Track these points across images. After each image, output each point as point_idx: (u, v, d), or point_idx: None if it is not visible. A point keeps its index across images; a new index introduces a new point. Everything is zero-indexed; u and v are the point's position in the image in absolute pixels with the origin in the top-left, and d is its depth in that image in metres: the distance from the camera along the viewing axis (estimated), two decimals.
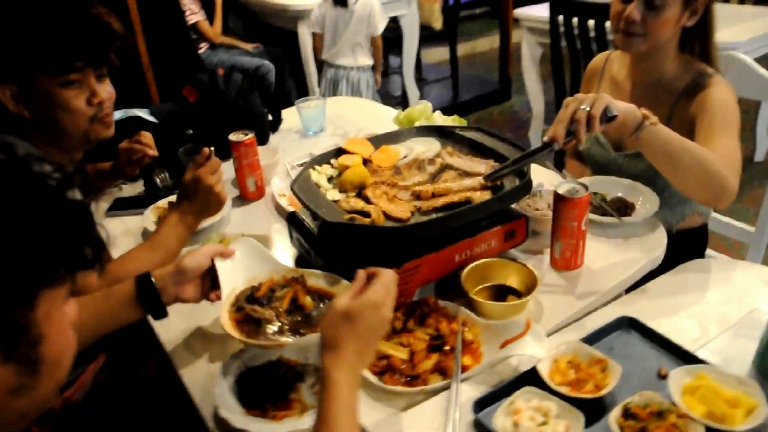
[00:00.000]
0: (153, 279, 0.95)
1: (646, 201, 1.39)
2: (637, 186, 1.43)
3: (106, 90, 1.29)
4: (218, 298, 1.00)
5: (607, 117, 1.10)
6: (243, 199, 1.63)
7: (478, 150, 1.30)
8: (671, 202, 1.43)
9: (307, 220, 1.20)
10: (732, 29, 2.60)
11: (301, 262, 1.24)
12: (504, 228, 1.16)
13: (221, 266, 1.00)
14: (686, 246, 1.47)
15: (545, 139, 1.12)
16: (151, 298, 0.94)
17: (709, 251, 1.71)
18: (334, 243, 1.06)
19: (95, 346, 0.94)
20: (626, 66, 1.57)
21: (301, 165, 1.68)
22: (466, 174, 1.22)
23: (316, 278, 1.02)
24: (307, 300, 0.98)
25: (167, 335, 1.09)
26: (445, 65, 5.43)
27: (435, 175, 1.24)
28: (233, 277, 1.00)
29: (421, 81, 4.99)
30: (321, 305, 0.98)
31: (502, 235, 1.17)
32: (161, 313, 0.96)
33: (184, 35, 3.72)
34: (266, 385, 0.93)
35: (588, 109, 1.07)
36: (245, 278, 1.02)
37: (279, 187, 1.61)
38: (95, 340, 0.93)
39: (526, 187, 1.14)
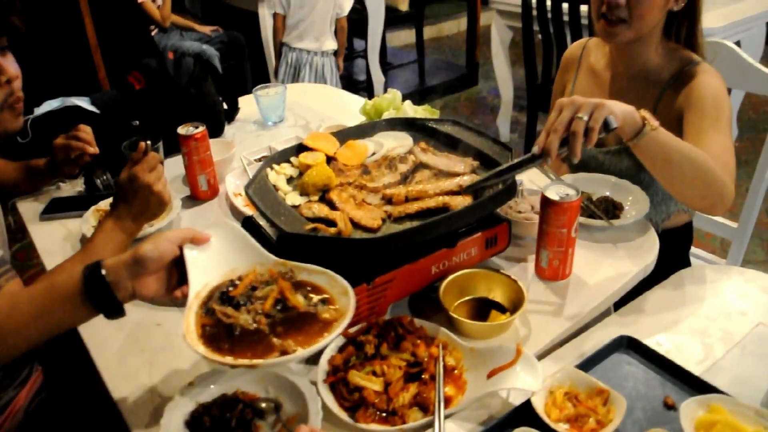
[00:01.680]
0: (104, 270, 0.79)
1: (635, 200, 1.31)
2: (623, 184, 1.35)
3: (12, 66, 1.11)
4: (185, 295, 0.83)
5: (607, 129, 1.01)
6: (194, 199, 1.53)
7: (455, 146, 1.25)
8: (656, 200, 1.36)
9: (265, 225, 1.13)
10: (708, 14, 2.54)
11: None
12: (485, 234, 1.11)
13: (191, 256, 0.83)
14: (672, 245, 1.39)
15: (535, 150, 1.03)
16: (101, 294, 0.78)
17: (693, 249, 1.65)
18: (294, 256, 1.00)
19: (29, 360, 0.80)
20: (606, 55, 1.49)
21: (260, 160, 1.63)
22: (443, 173, 1.18)
23: (308, 274, 0.87)
24: (298, 300, 0.83)
25: (100, 352, 0.99)
26: (411, 49, 5.32)
27: (407, 174, 1.20)
28: (206, 270, 0.84)
29: (386, 65, 4.87)
30: (316, 306, 0.82)
31: (483, 243, 1.12)
32: (115, 311, 0.81)
33: (135, 15, 3.50)
34: (220, 428, 0.79)
35: (586, 119, 0.99)
36: (222, 271, 0.86)
37: (234, 185, 1.52)
38: (33, 345, 0.80)
39: (510, 191, 1.08)
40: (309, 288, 0.85)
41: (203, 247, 0.86)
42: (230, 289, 0.84)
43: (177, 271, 0.84)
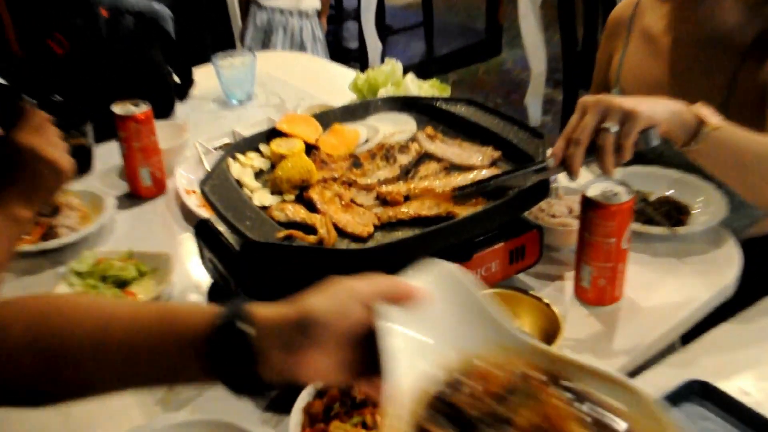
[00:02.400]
0: (249, 328, 0.64)
1: (707, 202, 1.30)
2: (691, 180, 1.34)
3: None
4: (377, 393, 0.64)
5: (647, 144, 1.03)
6: (134, 197, 1.53)
7: (470, 132, 1.27)
8: (736, 200, 1.34)
9: (225, 232, 1.14)
10: None
11: (215, 293, 1.22)
12: (509, 245, 1.12)
13: (391, 327, 0.63)
14: (759, 261, 1.37)
15: (551, 162, 1.05)
16: (235, 360, 0.64)
17: None
18: (262, 271, 1.01)
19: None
20: (664, 15, 1.48)
21: (220, 148, 1.64)
22: (454, 167, 1.19)
23: (589, 379, 0.60)
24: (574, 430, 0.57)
25: None
26: (416, 8, 5.32)
27: (409, 168, 1.21)
28: (416, 354, 0.63)
29: (384, 30, 4.86)
30: None
31: (507, 255, 1.13)
32: (252, 388, 0.65)
33: None
34: None
35: (614, 131, 1.01)
36: (441, 354, 0.64)
37: (187, 180, 1.53)
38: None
39: (541, 191, 1.10)
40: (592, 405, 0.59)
41: (414, 309, 0.65)
42: (455, 391, 0.60)
43: (365, 349, 0.64)
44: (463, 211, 1.06)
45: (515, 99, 4.07)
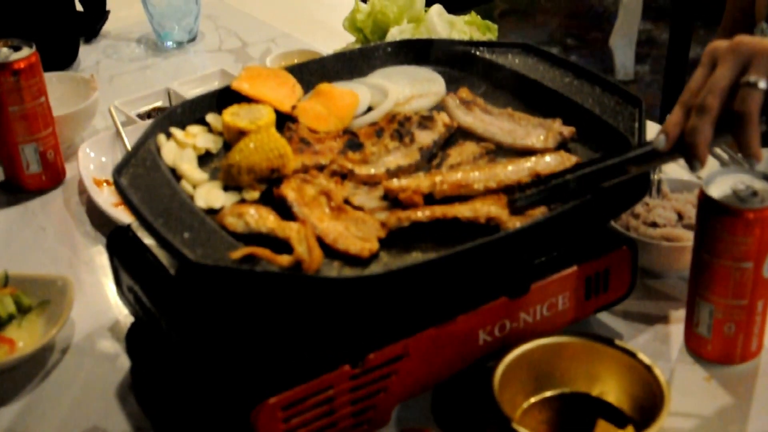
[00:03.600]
0: None
1: None
2: None
3: None
4: None
5: None
6: (14, 189, 1.57)
7: (527, 96, 1.30)
8: None
9: (154, 247, 1.16)
10: None
11: (136, 337, 1.23)
12: (585, 269, 1.14)
13: None
14: None
15: (661, 141, 1.03)
16: None
17: None
18: (209, 307, 1.05)
19: None
20: None
21: (146, 117, 1.67)
22: (502, 150, 1.22)
23: None
24: None
25: None
26: None
27: (434, 151, 1.23)
28: None
29: None
30: None
31: (582, 286, 1.15)
32: None
33: None
34: None
35: (765, 86, 0.99)
36: None
37: (95, 164, 1.55)
38: None
39: (636, 187, 1.11)
40: None
41: None
42: None
43: None
44: (514, 219, 1.06)
45: (595, 39, 4.08)
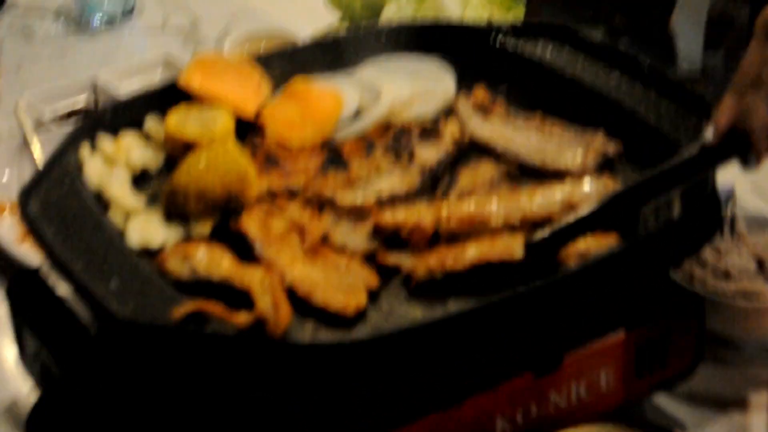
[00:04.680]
0: None
1: None
2: None
3: None
4: None
5: None
6: None
7: (561, 99, 1.30)
8: None
9: (70, 297, 1.14)
10: None
11: (42, 418, 1.19)
12: (635, 338, 1.15)
13: None
14: None
15: (708, 135, 1.04)
16: None
17: None
18: (142, 379, 1.03)
19: None
20: None
21: (65, 120, 1.67)
22: (527, 172, 1.23)
23: None
24: None
25: None
26: None
27: (440, 172, 1.24)
28: None
29: None
30: None
31: (631, 359, 1.15)
32: None
33: None
34: None
35: None
36: None
37: None
38: None
39: (705, 223, 1.12)
40: None
41: None
42: None
43: None
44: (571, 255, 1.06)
45: (652, 19, 4.08)
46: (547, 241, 1.10)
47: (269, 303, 1.00)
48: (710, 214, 1.10)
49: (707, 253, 1.29)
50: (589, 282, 1.05)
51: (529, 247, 1.10)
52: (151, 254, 1.08)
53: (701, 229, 1.11)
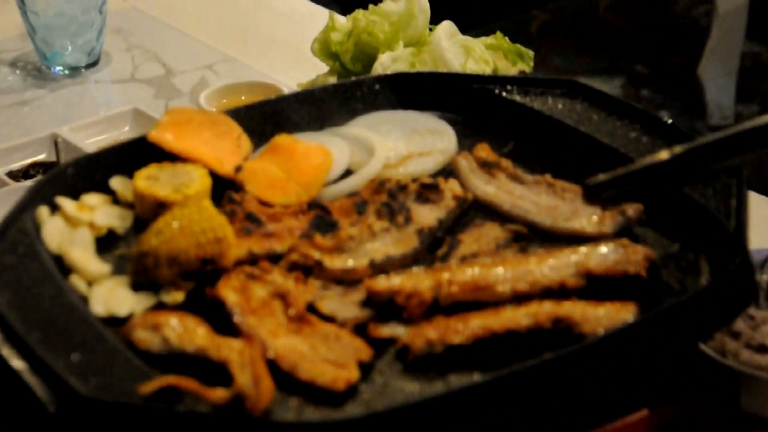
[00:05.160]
0: None
1: None
2: None
3: None
4: None
5: None
6: None
7: (573, 157, 1.32)
8: None
9: (27, 374, 1.11)
10: None
11: None
12: (659, 415, 1.14)
13: None
14: None
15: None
16: None
17: None
18: None
19: None
20: None
21: (21, 174, 1.67)
22: (536, 234, 1.23)
23: None
24: None
25: None
26: None
27: (439, 235, 1.24)
28: None
29: None
30: None
31: None
32: None
33: None
34: None
35: None
36: None
37: None
38: None
39: (741, 291, 1.12)
40: None
41: None
42: None
43: None
44: (595, 311, 1.07)
45: (677, 66, 4.10)
46: (605, 185, 1.10)
47: (249, 378, 1.00)
48: (743, 281, 1.10)
49: (740, 324, 1.27)
50: (608, 355, 1.05)
51: (588, 188, 1.10)
52: (117, 323, 1.08)
53: (733, 298, 1.10)
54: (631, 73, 4.25)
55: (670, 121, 1.29)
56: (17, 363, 1.10)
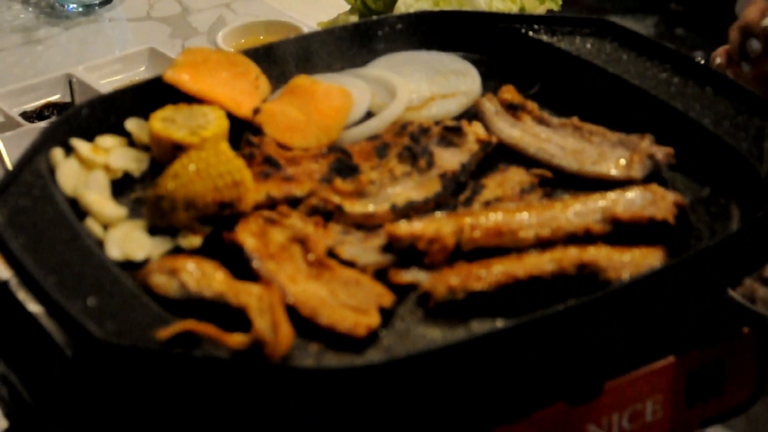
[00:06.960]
0: None
1: None
2: None
3: None
4: None
5: None
6: None
7: (602, 98, 1.31)
8: None
9: (43, 316, 1.14)
10: None
11: None
12: (686, 362, 1.15)
13: None
14: None
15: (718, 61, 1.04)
16: None
17: None
18: (125, 407, 1.04)
19: None
20: None
21: (35, 115, 1.67)
22: (562, 179, 1.24)
23: None
24: None
25: None
26: None
27: (462, 179, 1.24)
28: None
29: None
30: None
31: (682, 385, 1.16)
32: None
33: None
34: None
35: None
36: None
37: None
38: None
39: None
40: None
41: None
42: None
43: None
44: (621, 257, 1.07)
45: (713, 7, 4.07)
46: None
47: (268, 323, 1.00)
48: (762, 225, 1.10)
49: None
50: (634, 302, 1.05)
51: None
52: (134, 268, 1.09)
53: (764, 243, 1.11)
54: (665, 11, 4.21)
55: (702, 62, 1.28)
56: (34, 307, 1.12)
